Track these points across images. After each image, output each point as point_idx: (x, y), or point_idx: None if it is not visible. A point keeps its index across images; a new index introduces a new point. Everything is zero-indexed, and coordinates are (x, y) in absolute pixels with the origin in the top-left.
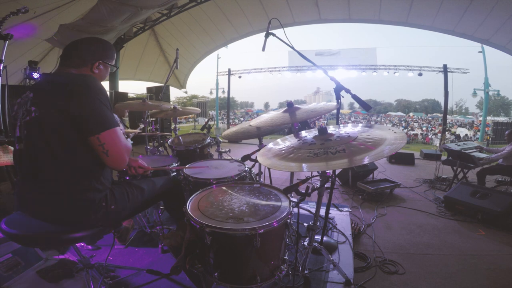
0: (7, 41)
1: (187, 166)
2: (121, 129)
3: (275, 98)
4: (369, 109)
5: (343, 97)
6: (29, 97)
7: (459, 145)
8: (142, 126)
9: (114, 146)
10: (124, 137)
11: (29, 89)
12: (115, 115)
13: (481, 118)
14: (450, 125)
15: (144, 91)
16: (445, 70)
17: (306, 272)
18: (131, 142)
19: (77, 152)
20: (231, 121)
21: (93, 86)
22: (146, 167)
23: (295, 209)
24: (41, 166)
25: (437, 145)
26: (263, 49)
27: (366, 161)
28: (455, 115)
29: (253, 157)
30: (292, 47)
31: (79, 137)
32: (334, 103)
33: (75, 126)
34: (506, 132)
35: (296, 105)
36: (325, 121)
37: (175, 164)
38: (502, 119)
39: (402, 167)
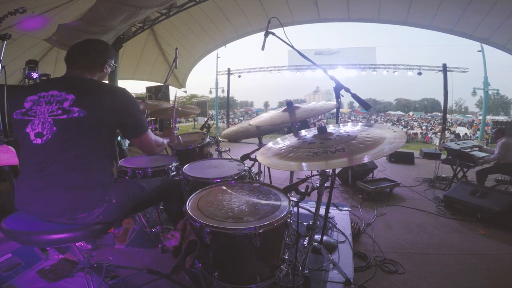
0: (5, 41)
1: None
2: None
3: (274, 97)
4: (368, 108)
5: (342, 96)
6: (64, 97)
7: (458, 144)
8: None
9: (150, 144)
10: (153, 135)
11: (54, 88)
12: None
13: (480, 117)
14: (450, 124)
15: (144, 91)
16: (444, 69)
17: (306, 271)
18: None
19: (96, 149)
20: (230, 120)
21: (131, 97)
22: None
23: (295, 209)
24: (60, 162)
25: (437, 144)
26: (263, 48)
27: (365, 160)
28: (454, 114)
29: (252, 156)
30: (292, 46)
31: (110, 136)
32: (334, 102)
33: (117, 129)
34: (493, 131)
35: (296, 104)
36: (325, 120)
37: (174, 164)
38: (501, 118)
39: (401, 166)
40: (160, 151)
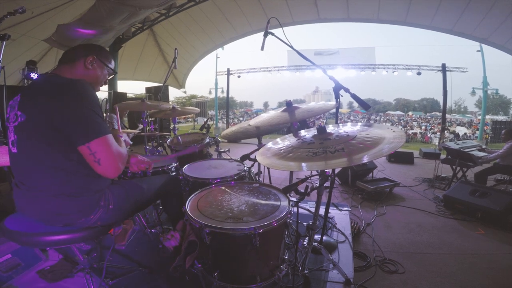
0: (5, 41)
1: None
2: (120, 136)
3: (274, 98)
4: (368, 108)
5: (342, 96)
6: (17, 101)
7: (458, 144)
8: (141, 126)
9: (106, 154)
10: (116, 144)
11: (20, 92)
12: (114, 116)
13: (480, 117)
14: (449, 124)
15: (143, 91)
16: (443, 69)
17: (305, 271)
18: (131, 142)
19: (70, 157)
20: (230, 120)
21: (81, 93)
22: (147, 162)
23: (295, 209)
24: (35, 171)
25: (436, 144)
26: (262, 49)
27: (365, 160)
28: (454, 114)
29: (252, 156)
30: (291, 47)
31: (68, 146)
32: (333, 102)
33: (62, 136)
34: (503, 132)
35: (295, 105)
36: (324, 120)
37: (174, 164)
38: (500, 117)
39: (401, 166)
40: (121, 170)
